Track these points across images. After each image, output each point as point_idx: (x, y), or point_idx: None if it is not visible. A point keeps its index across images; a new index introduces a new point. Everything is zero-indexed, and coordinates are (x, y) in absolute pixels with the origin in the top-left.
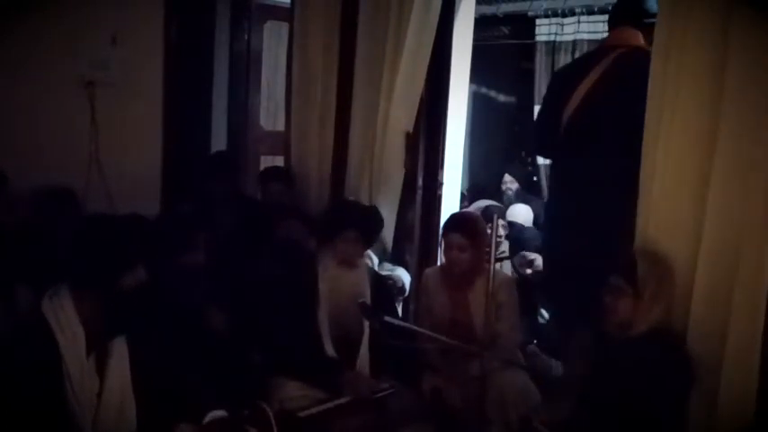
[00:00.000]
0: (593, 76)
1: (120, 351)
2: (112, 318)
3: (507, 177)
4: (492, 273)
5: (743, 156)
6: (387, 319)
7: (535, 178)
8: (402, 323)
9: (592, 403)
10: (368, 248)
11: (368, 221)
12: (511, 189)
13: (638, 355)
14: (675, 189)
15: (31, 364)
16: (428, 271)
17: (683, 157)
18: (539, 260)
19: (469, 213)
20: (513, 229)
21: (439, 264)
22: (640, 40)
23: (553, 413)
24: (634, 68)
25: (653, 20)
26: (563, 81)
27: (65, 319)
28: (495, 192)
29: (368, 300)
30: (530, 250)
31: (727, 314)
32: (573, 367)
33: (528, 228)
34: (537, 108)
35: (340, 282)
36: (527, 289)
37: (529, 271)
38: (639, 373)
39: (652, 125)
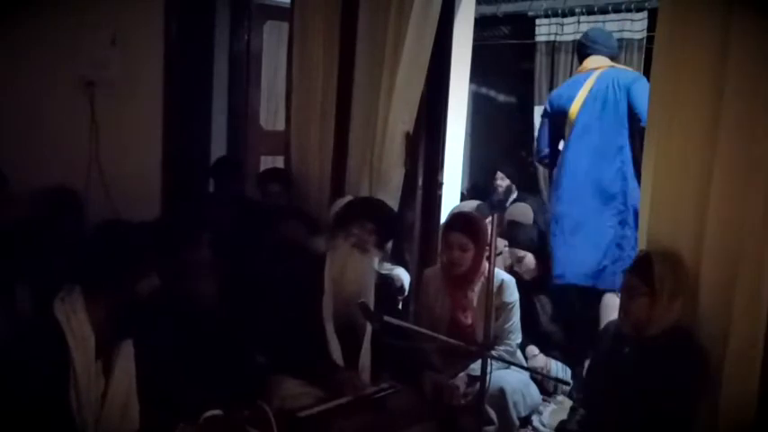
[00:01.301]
0: (584, 91)
1: (126, 352)
2: (124, 323)
3: (499, 174)
4: (492, 272)
5: (743, 156)
6: (387, 318)
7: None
8: (402, 323)
9: (608, 403)
10: (380, 248)
11: (386, 219)
12: (501, 186)
13: (655, 356)
14: (676, 190)
15: (39, 364)
16: (428, 271)
17: (684, 158)
18: (529, 257)
19: (471, 212)
20: (513, 227)
21: (439, 263)
22: (611, 62)
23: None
24: (617, 81)
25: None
26: (559, 101)
27: (76, 323)
28: (493, 191)
29: (370, 298)
30: (524, 248)
31: (729, 314)
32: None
33: (527, 226)
34: (537, 108)
35: (348, 270)
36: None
37: (517, 269)
38: (657, 372)
39: (653, 125)
